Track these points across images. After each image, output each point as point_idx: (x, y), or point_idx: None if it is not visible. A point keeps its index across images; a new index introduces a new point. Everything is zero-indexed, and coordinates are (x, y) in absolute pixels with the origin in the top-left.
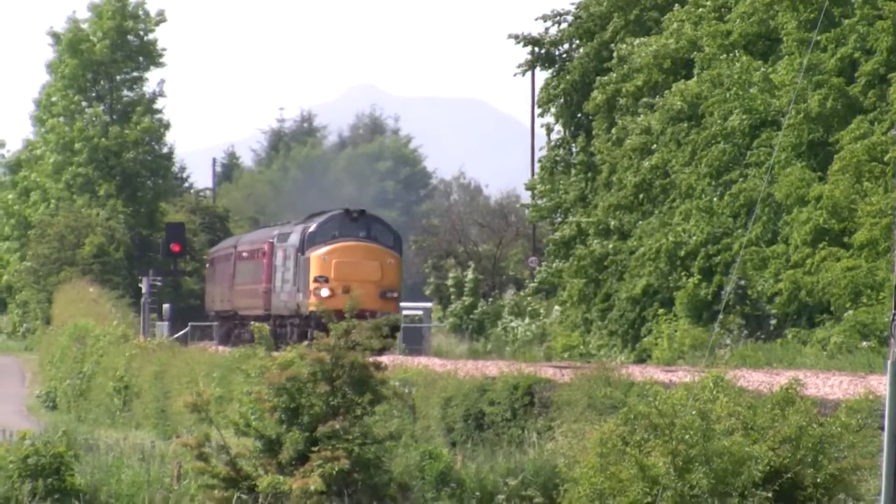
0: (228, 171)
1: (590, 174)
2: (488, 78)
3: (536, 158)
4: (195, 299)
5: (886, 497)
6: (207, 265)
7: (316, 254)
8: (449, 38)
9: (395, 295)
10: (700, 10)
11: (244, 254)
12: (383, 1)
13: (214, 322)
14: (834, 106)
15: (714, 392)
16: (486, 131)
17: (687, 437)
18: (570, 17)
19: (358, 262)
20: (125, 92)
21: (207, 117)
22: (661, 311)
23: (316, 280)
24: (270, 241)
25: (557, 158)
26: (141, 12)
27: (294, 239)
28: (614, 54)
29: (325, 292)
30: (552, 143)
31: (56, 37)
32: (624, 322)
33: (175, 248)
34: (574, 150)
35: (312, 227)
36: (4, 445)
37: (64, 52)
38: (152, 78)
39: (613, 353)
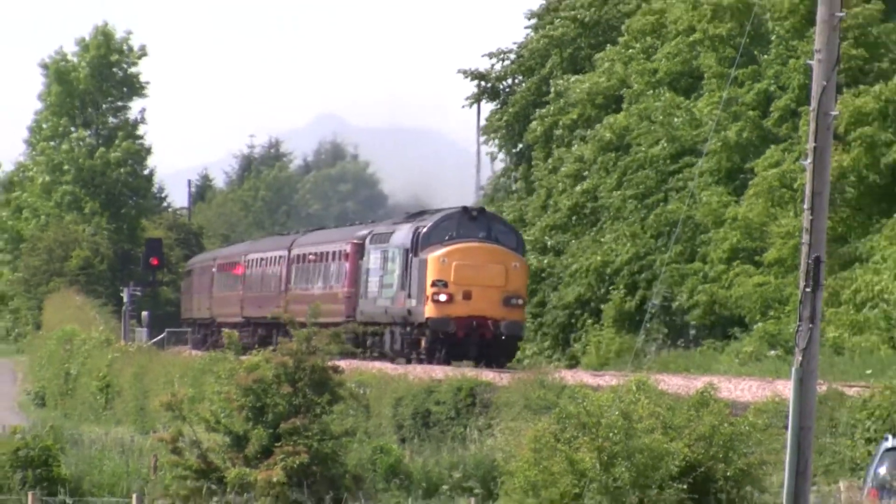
0: (202, 191)
1: (529, 198)
2: (441, 109)
3: (481, 184)
4: (171, 307)
5: (788, 490)
6: (216, 270)
7: (433, 255)
8: (406, 72)
9: (521, 302)
10: (630, 50)
11: (310, 256)
12: (347, 37)
13: (188, 328)
14: (750, 136)
15: (637, 394)
16: (438, 158)
17: (611, 435)
18: (512, 56)
19: (480, 265)
20: (110, 118)
21: (183, 141)
22: (589, 321)
23: (434, 284)
24: (356, 241)
25: (498, 186)
26: (125, 47)
27: (400, 239)
28: (552, 89)
29: (443, 297)
30: (497, 173)
31: (45, 67)
32: (556, 329)
33: (154, 261)
34: (516, 176)
35: (426, 226)
36: (0, 438)
37: (52, 80)
38: (135, 106)
39: (550, 358)
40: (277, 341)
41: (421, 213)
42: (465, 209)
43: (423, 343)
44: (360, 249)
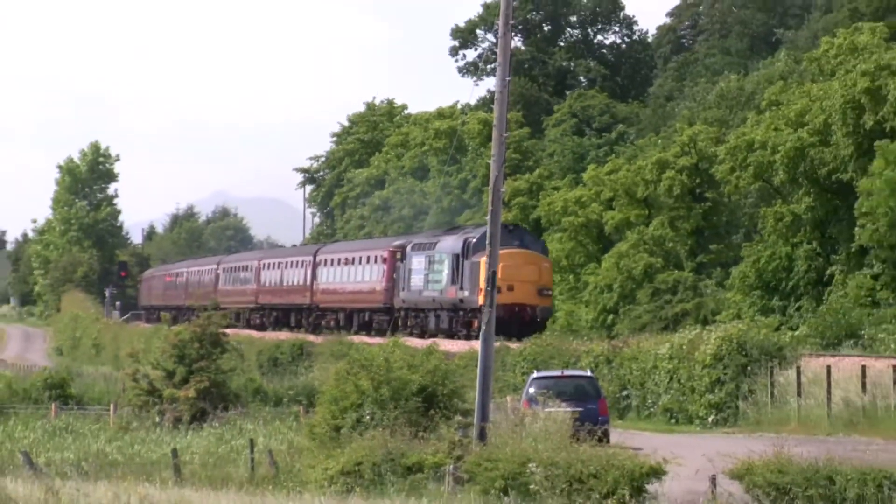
0: (150, 235)
1: (333, 237)
2: (284, 186)
3: (306, 232)
4: (133, 300)
5: (478, 401)
6: (221, 272)
7: (484, 258)
8: (267, 165)
9: (549, 292)
10: (389, 154)
11: (341, 259)
12: (238, 142)
13: (142, 311)
14: (456, 204)
15: (393, 348)
16: (282, 216)
17: (379, 371)
18: (323, 158)
19: (520, 265)
20: (98, 194)
21: (140, 206)
22: None
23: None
24: (392, 249)
25: (317, 233)
26: (107, 154)
27: (448, 246)
28: (346, 178)
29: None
30: (316, 225)
31: (60, 168)
32: None
33: (123, 274)
34: (326, 227)
35: (475, 237)
36: (36, 373)
37: (64, 173)
38: (112, 187)
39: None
40: (295, 319)
41: (460, 227)
42: (503, 224)
43: (475, 324)
44: (395, 255)
